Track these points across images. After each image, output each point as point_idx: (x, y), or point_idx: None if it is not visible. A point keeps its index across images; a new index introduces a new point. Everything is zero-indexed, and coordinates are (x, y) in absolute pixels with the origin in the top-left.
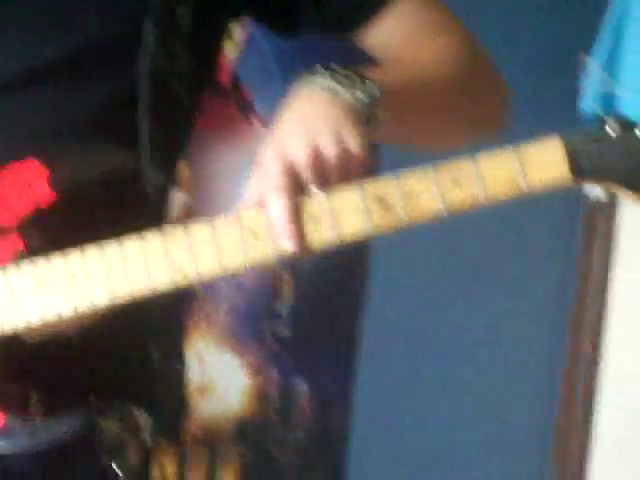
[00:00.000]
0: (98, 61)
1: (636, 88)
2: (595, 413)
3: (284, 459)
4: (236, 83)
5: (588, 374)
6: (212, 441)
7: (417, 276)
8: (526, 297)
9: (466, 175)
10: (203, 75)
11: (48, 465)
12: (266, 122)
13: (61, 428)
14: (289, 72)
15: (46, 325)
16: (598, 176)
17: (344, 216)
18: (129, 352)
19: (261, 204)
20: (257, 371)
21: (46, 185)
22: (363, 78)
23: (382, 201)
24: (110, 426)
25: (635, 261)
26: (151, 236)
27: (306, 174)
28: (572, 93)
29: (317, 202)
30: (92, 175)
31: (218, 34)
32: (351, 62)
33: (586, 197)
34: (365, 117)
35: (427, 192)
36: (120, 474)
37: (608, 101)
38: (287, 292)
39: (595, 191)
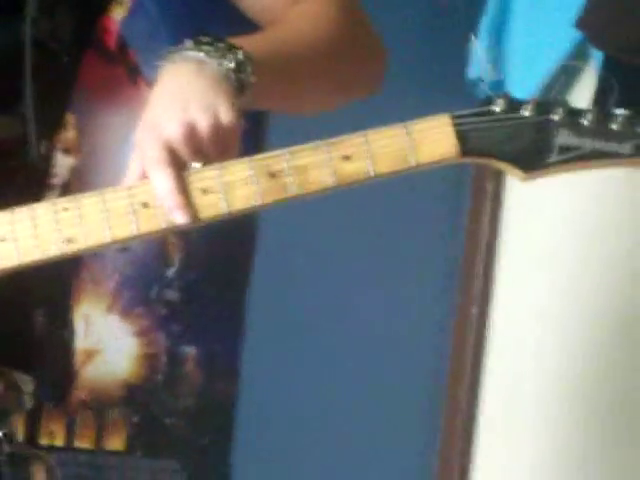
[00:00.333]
0: None
1: (521, 66)
2: (482, 376)
3: (172, 423)
4: (123, 46)
5: (477, 333)
6: (100, 405)
7: (306, 240)
8: (415, 262)
9: (356, 150)
10: (84, 38)
11: None
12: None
13: None
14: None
15: None
16: (486, 154)
17: (234, 189)
18: (12, 317)
19: (146, 177)
20: (145, 335)
21: None
22: (230, 46)
23: (272, 175)
24: None
25: (522, 222)
26: (41, 207)
27: (182, 148)
28: (460, 70)
29: (207, 175)
30: None
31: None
32: (236, 26)
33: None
34: (235, 85)
35: (317, 166)
36: (2, 440)
37: (495, 81)
38: (175, 257)
39: None
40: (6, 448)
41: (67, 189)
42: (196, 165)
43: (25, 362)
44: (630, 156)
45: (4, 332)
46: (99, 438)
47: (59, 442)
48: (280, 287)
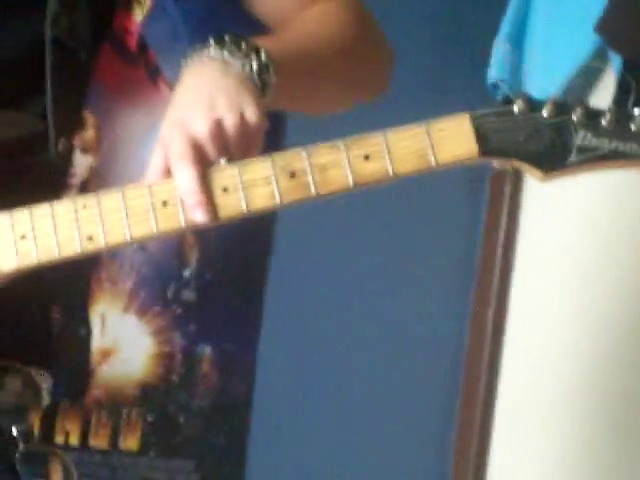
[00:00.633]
0: (1, 22)
1: (541, 68)
2: (500, 372)
3: (187, 423)
4: (143, 47)
5: (493, 335)
6: (115, 405)
7: (322, 240)
8: (432, 262)
9: (376, 150)
10: (101, 34)
11: None
12: (173, 87)
13: None
14: (196, 37)
15: None
16: (505, 154)
17: (254, 188)
18: (30, 315)
19: (167, 174)
20: (161, 335)
21: None
22: (253, 47)
23: (292, 174)
24: (10, 386)
25: (540, 225)
26: (61, 204)
27: (208, 145)
28: (481, 70)
29: (227, 173)
30: None
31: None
32: (252, 28)
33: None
34: (258, 85)
35: (337, 166)
36: (19, 438)
37: (515, 80)
38: (192, 256)
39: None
40: (21, 446)
41: (85, 188)
42: (221, 162)
43: (42, 359)
44: None
45: (22, 328)
46: (114, 437)
47: (74, 441)
48: (296, 287)
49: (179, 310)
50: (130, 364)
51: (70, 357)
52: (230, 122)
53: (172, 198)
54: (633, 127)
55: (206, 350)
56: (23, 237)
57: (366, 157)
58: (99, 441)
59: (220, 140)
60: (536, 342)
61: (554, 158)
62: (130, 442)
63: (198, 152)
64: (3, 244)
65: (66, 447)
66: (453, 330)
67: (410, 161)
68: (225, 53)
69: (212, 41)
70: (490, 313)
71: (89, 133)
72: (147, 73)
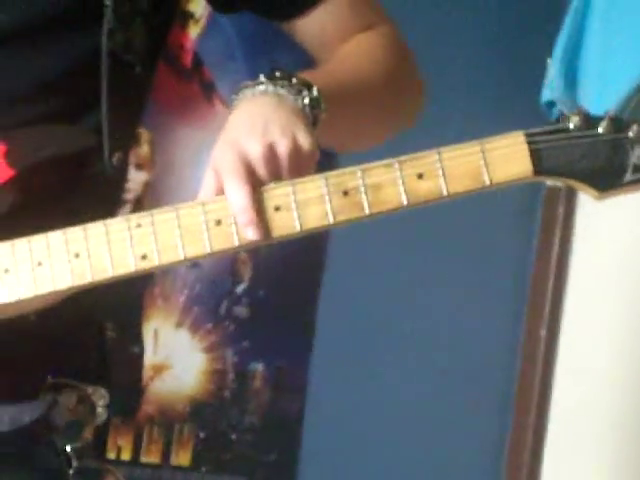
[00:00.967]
0: (57, 33)
1: (595, 87)
2: (552, 393)
3: (238, 440)
4: (198, 64)
5: (545, 358)
6: (167, 421)
7: (375, 257)
8: (485, 282)
9: (430, 169)
10: (156, 49)
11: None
12: (228, 103)
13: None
14: (251, 54)
15: (7, 307)
16: (560, 174)
17: (307, 207)
18: (86, 333)
19: (220, 194)
20: (213, 351)
21: (3, 161)
22: (305, 82)
23: (346, 192)
24: (65, 403)
25: (593, 246)
26: (114, 222)
27: (260, 168)
28: (535, 90)
29: (280, 192)
30: (50, 152)
31: (171, 14)
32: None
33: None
34: (310, 120)
35: (391, 185)
36: (72, 455)
37: (570, 99)
38: (245, 272)
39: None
40: (75, 462)
41: (140, 204)
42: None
43: (98, 375)
44: None
45: (78, 346)
46: (166, 453)
47: (126, 457)
48: (348, 303)
49: (232, 326)
50: (182, 380)
51: (123, 374)
52: (283, 147)
53: (226, 217)
54: None
55: (258, 367)
56: (77, 255)
57: (420, 176)
58: (151, 457)
59: (272, 164)
60: (588, 364)
61: (609, 177)
62: (182, 458)
63: (250, 172)
64: (57, 263)
65: (118, 462)
66: (505, 353)
67: (464, 180)
68: (279, 88)
69: (263, 77)
70: (543, 335)
71: (144, 149)
72: (202, 89)
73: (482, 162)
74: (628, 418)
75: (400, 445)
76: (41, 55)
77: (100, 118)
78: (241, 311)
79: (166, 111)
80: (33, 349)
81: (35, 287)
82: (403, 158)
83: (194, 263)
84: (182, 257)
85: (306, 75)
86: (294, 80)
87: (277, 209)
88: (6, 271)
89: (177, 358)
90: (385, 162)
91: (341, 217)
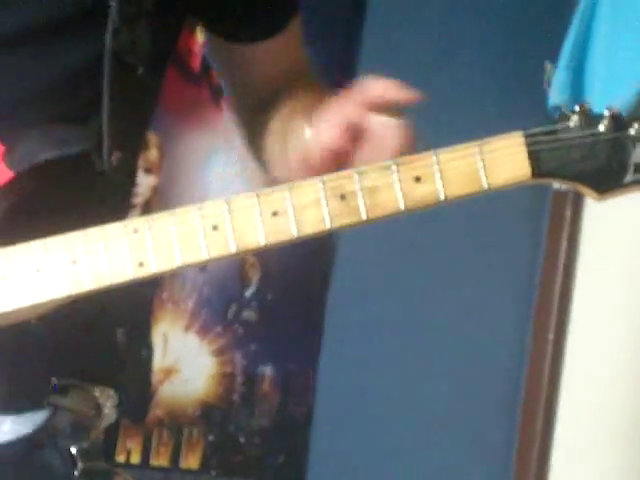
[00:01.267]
0: (61, 35)
1: (602, 91)
2: (559, 396)
3: (247, 443)
4: (206, 68)
5: (552, 360)
6: (176, 424)
7: (383, 260)
8: (492, 286)
9: (427, 171)
10: (162, 54)
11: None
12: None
13: (27, 424)
14: None
15: (6, 314)
16: (559, 175)
17: (304, 211)
18: (95, 336)
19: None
20: (222, 355)
21: (1, 162)
22: None
23: (343, 197)
24: (71, 405)
25: (600, 248)
26: (112, 228)
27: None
28: (540, 97)
29: (278, 197)
30: (49, 154)
31: (179, 18)
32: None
33: (552, 185)
34: None
35: (388, 188)
36: (78, 457)
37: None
38: (253, 276)
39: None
40: (80, 465)
41: (148, 208)
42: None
43: (109, 377)
44: None
45: (86, 348)
46: (175, 456)
47: (135, 460)
48: (357, 306)
49: (240, 330)
50: (191, 384)
51: (132, 377)
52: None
53: (222, 223)
54: None
55: (267, 370)
56: (74, 262)
57: (417, 179)
58: (160, 460)
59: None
60: (596, 367)
61: (610, 177)
62: (191, 461)
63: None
64: (56, 269)
65: (127, 466)
66: (512, 356)
67: (461, 184)
68: None
69: None
70: (550, 339)
71: (152, 153)
72: (210, 93)
73: (480, 165)
74: (637, 422)
75: (407, 448)
76: (45, 56)
77: (101, 119)
78: (250, 315)
79: (174, 115)
80: (39, 354)
81: (33, 295)
82: (400, 160)
83: (202, 267)
84: (179, 264)
85: None
86: None
87: (274, 214)
88: (4, 278)
89: (186, 362)
90: (382, 164)
91: (338, 222)
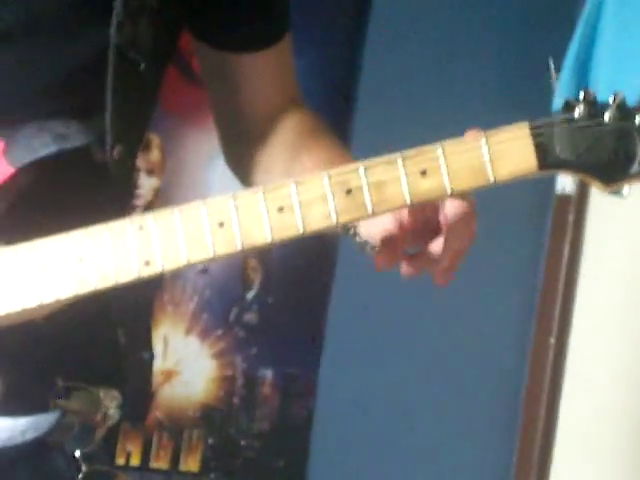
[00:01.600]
0: (63, 29)
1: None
2: (561, 399)
3: (247, 446)
4: None
5: (554, 363)
6: (176, 426)
7: None
8: (494, 288)
9: (433, 165)
10: (164, 50)
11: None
12: None
13: (34, 427)
14: None
15: (10, 314)
16: (565, 167)
17: (310, 207)
18: (98, 336)
19: None
20: (223, 358)
21: (2, 158)
22: None
23: (349, 192)
24: (75, 407)
25: (603, 252)
26: (117, 225)
27: None
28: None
29: (284, 193)
30: (50, 149)
31: (182, 14)
32: None
33: (555, 189)
34: None
35: (394, 183)
36: (81, 460)
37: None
38: (255, 279)
39: (564, 182)
40: (84, 467)
41: (150, 210)
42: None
43: (111, 378)
44: None
45: (90, 349)
46: (175, 459)
47: (135, 462)
48: (358, 310)
49: (241, 333)
50: (192, 386)
51: (133, 379)
52: None
53: (228, 219)
54: None
55: (267, 373)
56: (81, 260)
57: (423, 173)
58: (160, 462)
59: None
60: (598, 371)
61: (616, 168)
62: (191, 464)
63: None
64: (61, 269)
65: (127, 468)
66: (514, 360)
67: (467, 177)
68: None
69: None
70: (552, 342)
71: (154, 154)
72: None
73: (486, 158)
74: (638, 424)
75: (409, 451)
76: (47, 51)
77: (103, 114)
78: (251, 318)
79: (177, 116)
80: (43, 354)
81: (39, 295)
82: (406, 153)
83: (203, 269)
84: (186, 262)
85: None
86: None
87: (280, 210)
88: (9, 277)
89: (187, 364)
90: (388, 158)
91: (344, 217)
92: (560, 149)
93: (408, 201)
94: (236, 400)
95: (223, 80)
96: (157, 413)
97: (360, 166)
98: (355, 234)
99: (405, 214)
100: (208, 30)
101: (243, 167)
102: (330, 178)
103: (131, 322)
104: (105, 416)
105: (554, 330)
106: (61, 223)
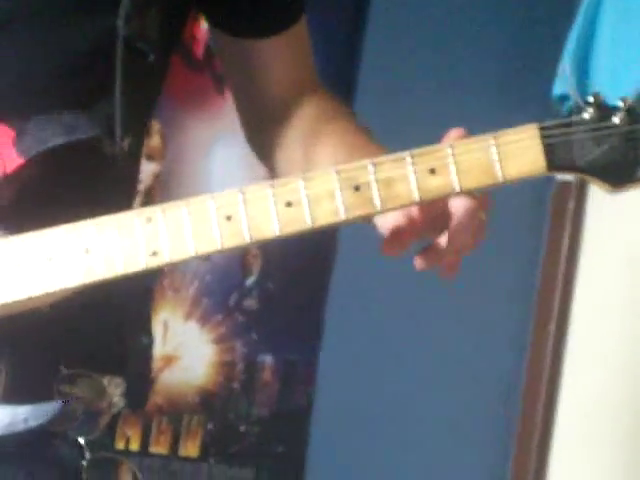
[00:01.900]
0: (71, 19)
1: (607, 83)
2: (560, 388)
3: (247, 431)
4: (209, 55)
5: (553, 353)
6: (176, 412)
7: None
8: (493, 278)
9: (442, 163)
10: (171, 40)
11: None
12: None
13: (38, 415)
14: None
15: (17, 303)
16: (573, 169)
17: (318, 203)
18: (102, 324)
19: None
20: (223, 343)
21: (12, 148)
22: None
23: (357, 188)
24: (80, 396)
25: (603, 240)
26: (125, 216)
27: None
28: (545, 87)
29: (292, 187)
30: (60, 140)
31: (187, 6)
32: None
33: (555, 176)
34: None
35: (402, 180)
36: (85, 447)
37: (581, 91)
38: (255, 265)
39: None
40: (88, 454)
41: (150, 195)
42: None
43: (115, 365)
44: None
45: (94, 336)
46: (174, 444)
47: (134, 447)
48: (358, 297)
49: (241, 318)
50: (191, 371)
51: (133, 365)
52: None
53: (236, 212)
54: None
55: (267, 359)
56: (87, 251)
57: (432, 171)
58: (159, 447)
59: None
60: (598, 359)
61: (624, 171)
62: (190, 449)
63: None
64: (68, 258)
65: (126, 453)
66: (513, 348)
67: (476, 176)
68: None
69: None
70: (551, 330)
71: (154, 140)
72: (213, 81)
73: (495, 157)
74: (637, 412)
75: (408, 438)
76: (56, 41)
77: (112, 105)
78: (251, 303)
79: (177, 102)
80: (47, 341)
81: (46, 284)
82: (415, 152)
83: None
84: (193, 254)
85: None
86: None
87: (289, 205)
88: (16, 266)
89: (186, 349)
90: (397, 156)
91: (352, 213)
92: (568, 151)
93: (417, 198)
94: (236, 386)
95: (241, 66)
96: (157, 398)
97: (369, 163)
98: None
99: (415, 208)
100: (223, 17)
101: (263, 147)
102: (339, 174)
103: (132, 307)
104: (109, 403)
105: (554, 318)
106: (68, 213)
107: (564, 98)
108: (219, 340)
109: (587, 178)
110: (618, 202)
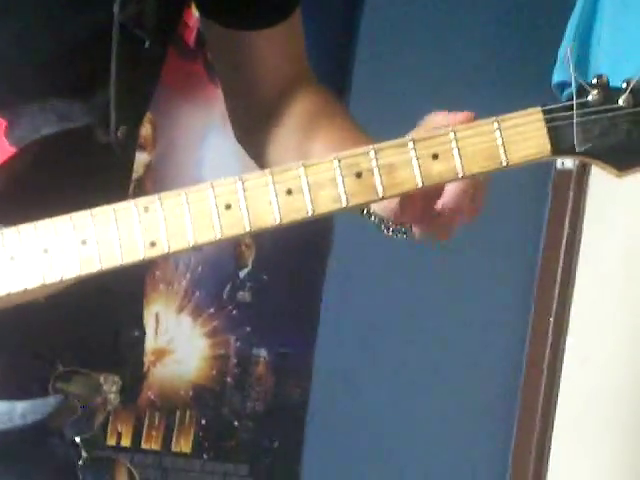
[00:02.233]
0: (66, 3)
1: (607, 70)
2: (560, 380)
3: (241, 426)
4: (202, 43)
5: (553, 344)
6: (168, 407)
7: (381, 243)
8: (493, 266)
9: (445, 148)
10: (167, 28)
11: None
12: None
13: (35, 411)
14: None
15: (12, 296)
16: (577, 152)
17: (320, 190)
18: (98, 321)
19: None
20: (216, 337)
21: (4, 138)
22: None
23: (359, 175)
24: (76, 394)
25: (603, 230)
26: (122, 207)
27: None
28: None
29: (293, 175)
30: (53, 129)
31: None
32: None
33: (555, 164)
34: None
35: (405, 166)
36: (82, 445)
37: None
38: (249, 257)
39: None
40: (84, 453)
41: (141, 185)
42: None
43: (111, 362)
44: None
45: (89, 331)
46: (167, 439)
47: (126, 443)
48: (354, 290)
49: (234, 312)
50: (184, 365)
51: (125, 359)
52: None
53: (235, 201)
54: None
55: (261, 352)
56: (84, 242)
57: (435, 156)
58: (151, 443)
59: None
60: (597, 350)
61: (629, 154)
62: (183, 444)
63: None
64: (65, 250)
65: (118, 449)
66: (513, 340)
67: (480, 161)
68: None
69: None
70: (551, 322)
71: (146, 129)
72: (205, 69)
73: (499, 142)
74: (636, 404)
75: (405, 434)
76: (51, 27)
77: (106, 93)
78: (244, 296)
79: (168, 91)
80: (43, 338)
81: (42, 276)
82: (417, 137)
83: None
84: (192, 243)
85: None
86: None
87: (289, 192)
88: (12, 258)
89: (179, 343)
90: (399, 141)
91: (354, 200)
92: (573, 134)
93: (420, 184)
94: (229, 380)
95: (232, 57)
96: (149, 393)
97: (371, 149)
98: (370, 214)
99: None
100: (217, 8)
101: (255, 145)
102: (340, 161)
103: (125, 302)
104: (105, 401)
105: (553, 309)
106: (63, 203)
107: (564, 85)
108: (212, 333)
109: (592, 161)
110: (618, 190)
